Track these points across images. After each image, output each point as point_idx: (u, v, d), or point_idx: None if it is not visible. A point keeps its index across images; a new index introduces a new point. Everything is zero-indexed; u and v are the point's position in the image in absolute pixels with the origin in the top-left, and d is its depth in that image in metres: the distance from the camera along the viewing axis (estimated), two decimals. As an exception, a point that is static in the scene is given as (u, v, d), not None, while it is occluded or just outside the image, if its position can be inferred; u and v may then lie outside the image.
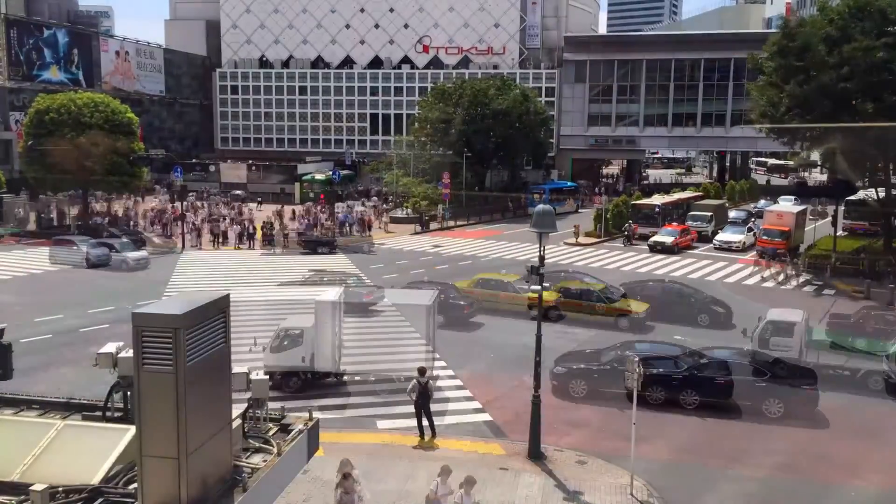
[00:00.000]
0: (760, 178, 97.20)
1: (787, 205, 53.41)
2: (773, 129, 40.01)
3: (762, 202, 62.57)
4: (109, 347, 8.49)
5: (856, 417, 19.65)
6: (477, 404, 19.83)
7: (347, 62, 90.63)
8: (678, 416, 19.43)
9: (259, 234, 47.27)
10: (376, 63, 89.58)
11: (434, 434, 17.49)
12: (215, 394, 6.70)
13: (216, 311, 6.67)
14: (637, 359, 15.43)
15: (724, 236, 46.43)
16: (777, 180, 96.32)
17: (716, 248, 45.51)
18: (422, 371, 17.78)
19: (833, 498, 15.57)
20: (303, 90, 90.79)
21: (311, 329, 19.87)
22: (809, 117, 34.80)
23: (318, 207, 58.44)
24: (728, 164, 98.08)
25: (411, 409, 19.36)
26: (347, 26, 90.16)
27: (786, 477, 16.26)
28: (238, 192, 69.40)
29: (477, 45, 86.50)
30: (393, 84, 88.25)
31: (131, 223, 52.25)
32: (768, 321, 22.62)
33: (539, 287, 17.15)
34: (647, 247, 45.25)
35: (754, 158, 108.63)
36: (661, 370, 19.63)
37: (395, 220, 58.17)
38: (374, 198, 69.31)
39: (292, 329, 20.33)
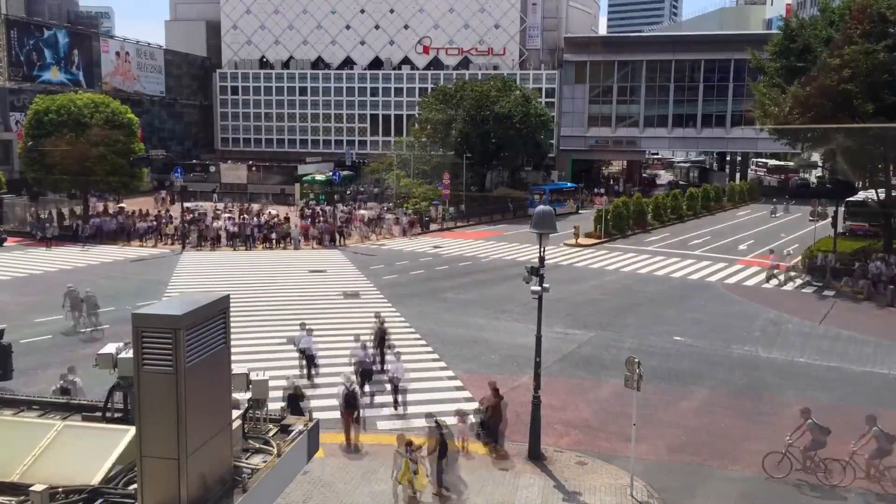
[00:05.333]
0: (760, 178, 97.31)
1: None
2: (774, 130, 40.07)
3: None
4: (109, 348, 8.48)
5: (854, 418, 19.64)
6: (477, 405, 19.80)
7: (348, 63, 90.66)
8: (678, 416, 19.45)
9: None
10: (376, 64, 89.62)
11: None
12: (215, 394, 6.70)
13: (216, 312, 6.66)
14: (637, 360, 15.42)
15: None
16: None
17: None
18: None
19: (833, 498, 15.57)
20: (303, 91, 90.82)
21: None
22: (810, 117, 34.84)
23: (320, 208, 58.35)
24: (728, 164, 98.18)
25: (411, 409, 19.41)
26: (348, 27, 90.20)
27: (784, 476, 16.25)
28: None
29: (477, 45, 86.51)
30: (393, 85, 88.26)
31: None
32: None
33: (539, 287, 17.14)
34: None
35: (754, 159, 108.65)
36: None
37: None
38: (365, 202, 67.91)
39: None
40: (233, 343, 7.19)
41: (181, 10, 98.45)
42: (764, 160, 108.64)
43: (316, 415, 16.64)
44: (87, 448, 7.04)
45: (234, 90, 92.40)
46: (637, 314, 30.12)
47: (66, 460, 6.88)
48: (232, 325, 7.12)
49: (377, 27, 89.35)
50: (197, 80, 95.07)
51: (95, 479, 6.58)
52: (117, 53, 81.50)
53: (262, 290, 33.37)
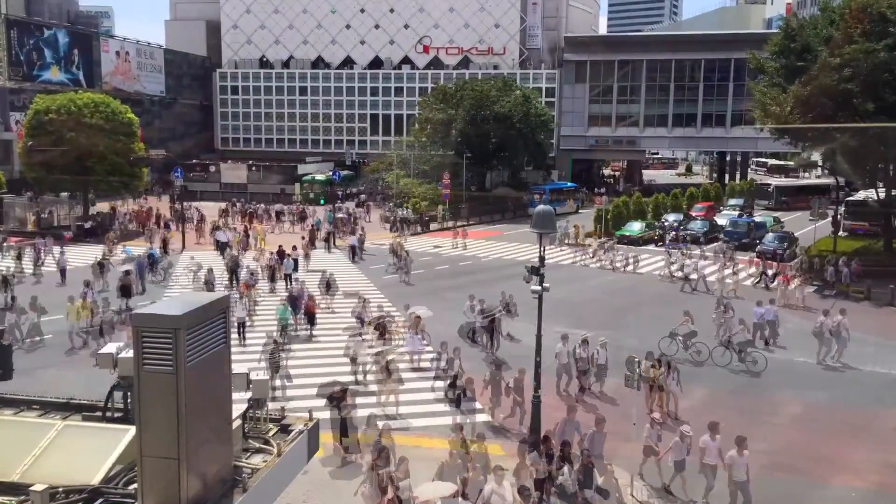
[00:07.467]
0: (760, 178, 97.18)
1: None
2: (775, 129, 40.05)
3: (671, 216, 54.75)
4: (109, 348, 8.49)
5: (853, 418, 19.65)
6: (477, 404, 19.81)
7: (348, 62, 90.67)
8: (678, 416, 19.42)
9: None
10: (377, 63, 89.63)
11: None
12: (215, 394, 6.70)
13: (216, 312, 6.66)
14: (637, 359, 15.41)
15: None
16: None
17: None
18: None
19: (831, 498, 15.57)
20: (303, 90, 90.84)
21: None
22: (811, 116, 34.83)
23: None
24: (728, 164, 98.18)
25: (411, 408, 19.42)
26: (348, 27, 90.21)
27: (784, 477, 16.26)
28: None
29: (477, 45, 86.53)
30: (393, 84, 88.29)
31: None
32: None
33: (539, 287, 17.13)
34: None
35: (754, 159, 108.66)
36: None
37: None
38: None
39: None
40: (232, 342, 7.19)
41: (181, 9, 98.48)
42: (764, 160, 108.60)
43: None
44: (87, 448, 7.04)
45: (234, 90, 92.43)
46: (637, 314, 30.11)
47: (66, 460, 6.88)
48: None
49: (377, 27, 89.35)
50: (197, 79, 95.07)
51: (95, 479, 6.58)
52: (117, 53, 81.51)
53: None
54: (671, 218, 53.61)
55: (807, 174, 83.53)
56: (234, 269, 34.15)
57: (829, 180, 58.51)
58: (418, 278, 36.52)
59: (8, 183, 54.26)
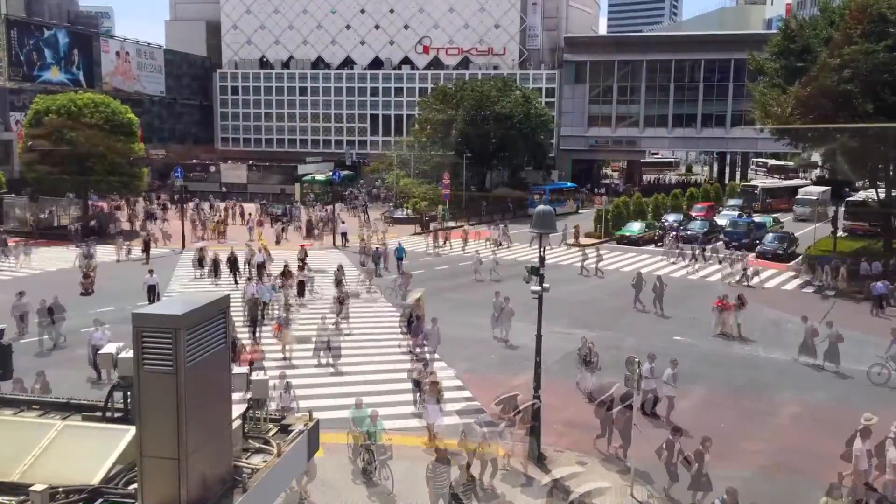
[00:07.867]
0: (759, 178, 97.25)
1: None
2: (775, 130, 40.07)
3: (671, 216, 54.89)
4: (110, 348, 8.49)
5: (854, 418, 19.62)
6: (477, 405, 19.82)
7: (348, 63, 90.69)
8: (678, 416, 19.43)
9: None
10: (377, 64, 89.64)
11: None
12: (215, 394, 6.69)
13: (216, 312, 6.65)
14: (637, 359, 15.40)
15: None
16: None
17: None
18: None
19: (830, 497, 15.53)
20: (303, 91, 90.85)
21: None
22: (811, 117, 34.84)
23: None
24: (728, 164, 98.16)
25: (411, 408, 19.41)
26: (348, 27, 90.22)
27: (784, 477, 16.26)
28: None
29: (477, 45, 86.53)
30: (393, 85, 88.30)
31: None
32: None
33: (539, 287, 17.13)
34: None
35: (754, 159, 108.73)
36: None
37: (395, 221, 58.24)
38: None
39: None
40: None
41: (181, 9, 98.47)
42: (764, 160, 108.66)
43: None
44: (87, 448, 7.03)
45: (234, 90, 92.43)
46: (637, 314, 30.11)
47: (66, 460, 6.88)
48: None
49: (377, 27, 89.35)
50: (197, 79, 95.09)
51: (95, 479, 6.58)
52: (117, 53, 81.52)
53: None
54: (671, 218, 53.61)
55: (806, 174, 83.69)
56: (255, 317, 26.17)
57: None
58: (418, 278, 36.50)
59: (8, 183, 54.24)
